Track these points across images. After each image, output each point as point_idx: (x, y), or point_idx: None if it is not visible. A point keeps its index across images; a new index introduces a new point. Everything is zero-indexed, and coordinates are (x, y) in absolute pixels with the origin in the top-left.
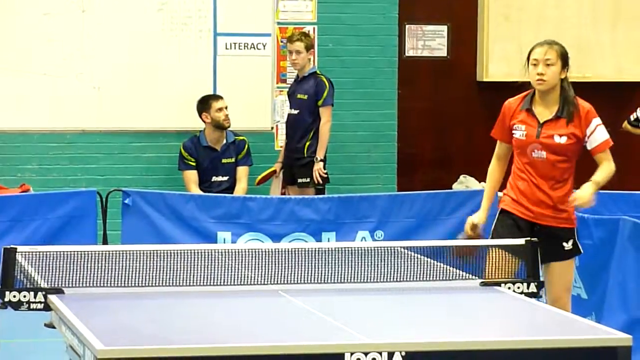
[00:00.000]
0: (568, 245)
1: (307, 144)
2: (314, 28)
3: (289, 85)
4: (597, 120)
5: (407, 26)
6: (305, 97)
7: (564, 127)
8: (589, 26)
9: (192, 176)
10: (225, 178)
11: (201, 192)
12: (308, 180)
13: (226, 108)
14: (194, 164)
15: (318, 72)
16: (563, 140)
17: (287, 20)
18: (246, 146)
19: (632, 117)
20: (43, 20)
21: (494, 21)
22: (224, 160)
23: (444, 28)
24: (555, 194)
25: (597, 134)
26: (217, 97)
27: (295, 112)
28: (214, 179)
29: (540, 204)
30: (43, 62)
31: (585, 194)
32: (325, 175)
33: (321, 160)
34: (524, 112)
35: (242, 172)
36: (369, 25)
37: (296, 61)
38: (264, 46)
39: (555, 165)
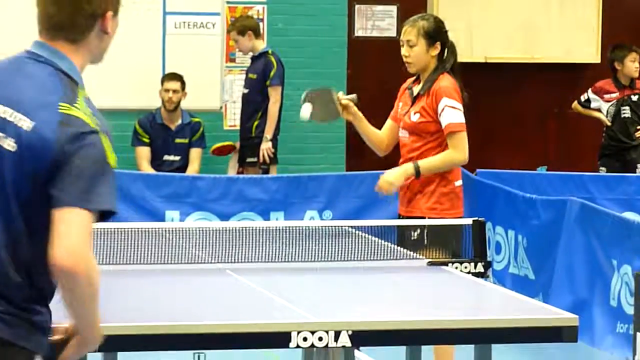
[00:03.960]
0: (414, 235)
1: (256, 123)
2: (263, 8)
3: (240, 65)
4: (447, 101)
5: (356, 6)
6: (255, 76)
7: (420, 104)
8: (538, 7)
9: (144, 152)
10: (177, 158)
11: (152, 170)
12: (255, 160)
13: (175, 91)
14: (147, 140)
15: (269, 52)
16: (415, 117)
17: None
18: (201, 128)
19: (582, 98)
20: None
21: (443, 1)
22: (177, 140)
23: (394, 8)
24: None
25: (445, 115)
26: (169, 77)
27: (246, 91)
28: (166, 157)
29: (401, 189)
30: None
31: (389, 176)
32: (273, 155)
33: (270, 140)
34: (407, 90)
35: (195, 154)
36: (319, 5)
37: (238, 48)
38: (214, 25)
39: (413, 146)
